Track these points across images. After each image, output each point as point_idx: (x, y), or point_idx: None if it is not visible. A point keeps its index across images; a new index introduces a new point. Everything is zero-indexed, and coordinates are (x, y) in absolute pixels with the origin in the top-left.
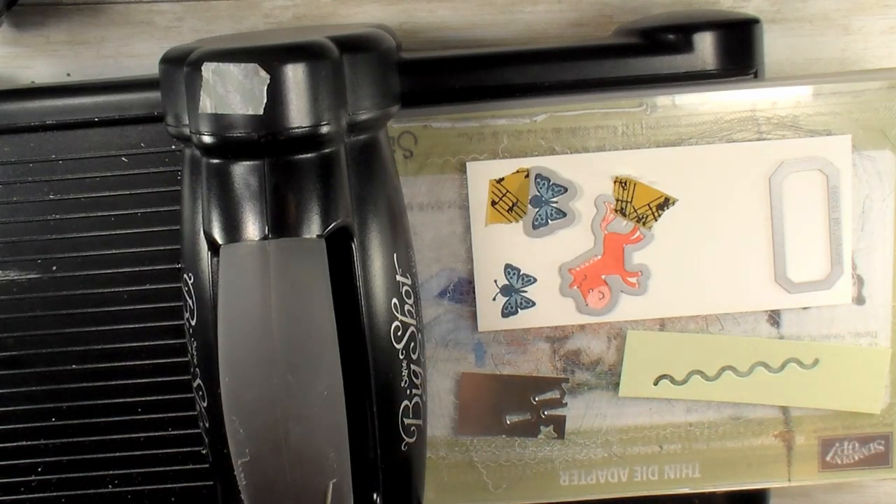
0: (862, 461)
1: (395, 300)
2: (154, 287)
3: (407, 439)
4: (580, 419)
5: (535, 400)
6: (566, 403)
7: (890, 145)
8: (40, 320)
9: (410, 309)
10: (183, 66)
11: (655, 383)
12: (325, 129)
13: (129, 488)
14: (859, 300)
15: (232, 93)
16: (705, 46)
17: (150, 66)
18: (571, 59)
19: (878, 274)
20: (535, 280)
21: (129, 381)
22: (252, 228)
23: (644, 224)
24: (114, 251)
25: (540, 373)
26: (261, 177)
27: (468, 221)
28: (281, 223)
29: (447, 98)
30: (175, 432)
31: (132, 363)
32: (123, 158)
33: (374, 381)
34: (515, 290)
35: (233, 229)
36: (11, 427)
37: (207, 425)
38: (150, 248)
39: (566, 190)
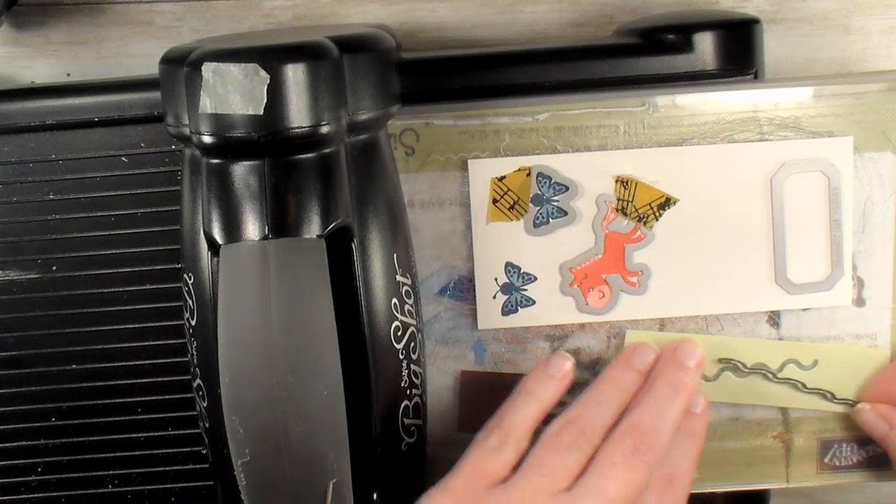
0: (860, 463)
1: (395, 300)
2: (154, 287)
3: (407, 439)
4: None
5: None
6: (566, 402)
7: (891, 147)
8: (40, 320)
9: (410, 309)
10: (183, 66)
11: None
12: (325, 129)
13: (129, 488)
14: (859, 302)
15: (232, 93)
16: (705, 46)
17: (150, 66)
18: (571, 59)
19: (878, 276)
20: (536, 278)
21: (129, 381)
22: (252, 228)
23: (645, 224)
24: (114, 251)
25: None
26: (261, 177)
27: (469, 219)
28: (281, 223)
29: (447, 98)
30: (175, 432)
31: (132, 363)
32: (123, 158)
33: (374, 381)
34: (516, 288)
35: (233, 229)
36: (11, 427)
37: (207, 425)
38: (150, 248)
39: (567, 189)
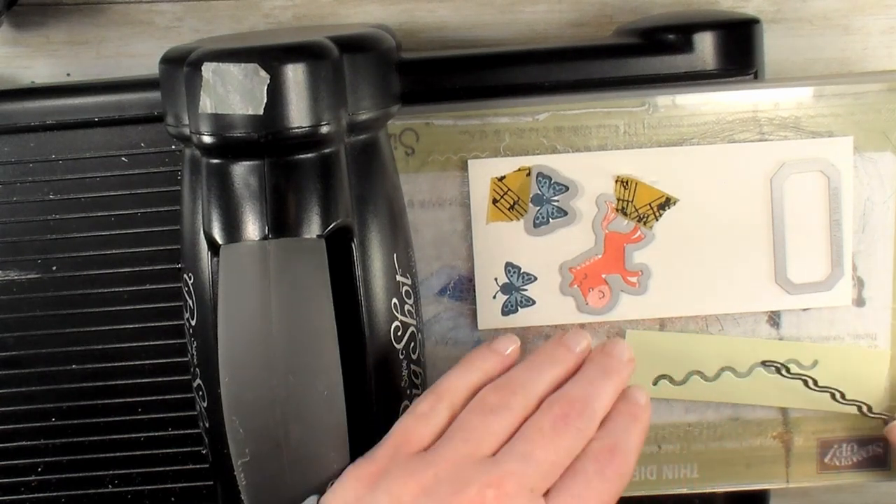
0: (860, 463)
1: (395, 300)
2: (154, 287)
3: None
4: None
5: None
6: None
7: (891, 147)
8: (40, 320)
9: (410, 309)
10: (183, 66)
11: (654, 383)
12: (325, 129)
13: (129, 488)
14: (859, 302)
15: (232, 93)
16: (705, 46)
17: (150, 66)
18: (571, 59)
19: (878, 276)
20: (536, 278)
21: (129, 381)
22: (252, 228)
23: (645, 224)
24: (114, 251)
25: None
26: (261, 177)
27: (469, 219)
28: (281, 223)
29: (447, 98)
30: (175, 432)
31: (132, 363)
32: (123, 158)
33: (374, 381)
34: (516, 288)
35: (233, 229)
36: (11, 427)
37: (207, 425)
38: (150, 248)
39: (567, 189)
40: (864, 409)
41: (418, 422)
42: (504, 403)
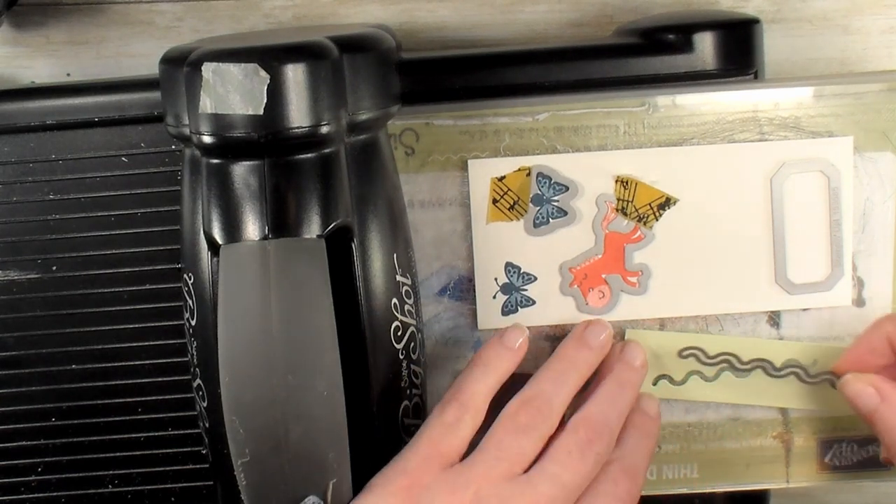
0: (860, 463)
1: (395, 300)
2: (154, 287)
3: (407, 439)
4: None
5: None
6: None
7: (891, 147)
8: (40, 320)
9: (410, 309)
10: (183, 66)
11: (654, 383)
12: (325, 129)
13: (129, 488)
14: (859, 302)
15: (232, 93)
16: (705, 46)
17: (150, 66)
18: (571, 59)
19: (878, 276)
20: (536, 278)
21: (130, 381)
22: (252, 228)
23: (645, 224)
24: (114, 251)
25: None
26: (261, 177)
27: (469, 219)
28: (281, 223)
29: (447, 98)
30: (175, 432)
31: (132, 363)
32: (123, 158)
33: (374, 381)
34: (516, 288)
35: (233, 229)
36: (11, 427)
37: (207, 425)
38: (150, 248)
39: (567, 189)
40: (833, 381)
41: (446, 432)
42: (534, 424)
